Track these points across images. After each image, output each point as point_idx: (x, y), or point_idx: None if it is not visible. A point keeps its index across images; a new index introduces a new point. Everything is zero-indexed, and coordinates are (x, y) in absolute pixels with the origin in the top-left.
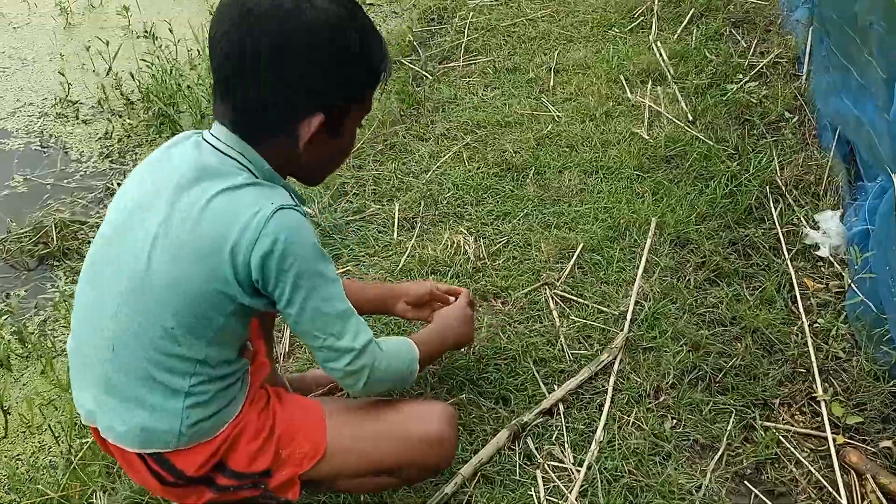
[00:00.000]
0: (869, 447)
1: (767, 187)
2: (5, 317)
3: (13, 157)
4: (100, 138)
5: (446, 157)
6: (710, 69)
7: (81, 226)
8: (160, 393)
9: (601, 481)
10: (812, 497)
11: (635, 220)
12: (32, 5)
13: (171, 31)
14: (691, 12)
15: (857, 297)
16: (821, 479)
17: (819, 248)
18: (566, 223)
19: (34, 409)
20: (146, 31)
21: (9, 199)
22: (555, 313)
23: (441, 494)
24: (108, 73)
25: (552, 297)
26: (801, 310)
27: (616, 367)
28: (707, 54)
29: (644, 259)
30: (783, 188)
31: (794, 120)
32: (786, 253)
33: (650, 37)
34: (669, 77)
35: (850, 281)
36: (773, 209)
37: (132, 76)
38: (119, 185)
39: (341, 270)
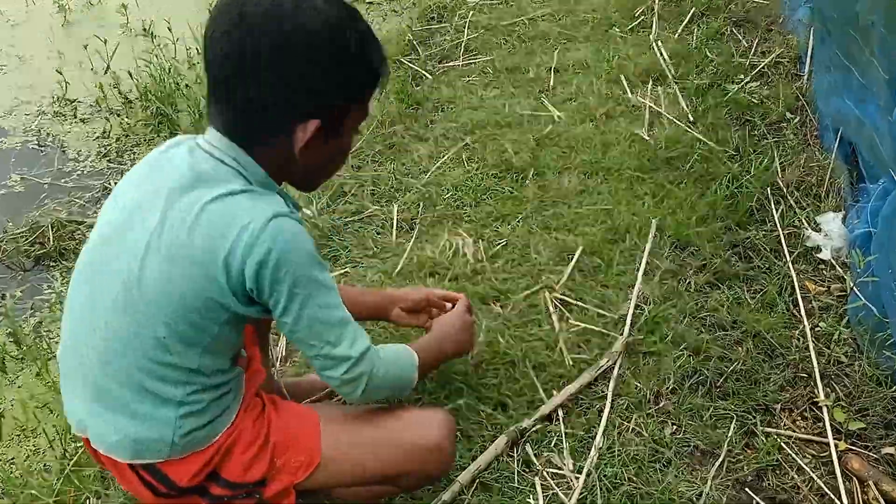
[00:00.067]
0: (871, 453)
1: (769, 189)
2: (0, 318)
3: (10, 155)
4: (97, 137)
5: (445, 157)
6: (710, 69)
7: (78, 226)
8: (152, 402)
9: (600, 489)
10: None
11: (635, 223)
12: (30, 2)
13: (169, 29)
14: (692, 11)
15: (859, 301)
16: (822, 486)
17: (821, 250)
18: (566, 225)
19: (29, 413)
20: (145, 30)
21: (6, 198)
22: (554, 317)
23: (438, 502)
24: (106, 72)
25: (551, 301)
26: (803, 313)
27: (616, 371)
28: (708, 54)
29: (644, 262)
30: (784, 190)
31: (796, 120)
32: (787, 255)
33: (651, 36)
34: (670, 77)
35: (852, 284)
36: (774, 211)
37: (130, 75)
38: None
39: (339, 272)
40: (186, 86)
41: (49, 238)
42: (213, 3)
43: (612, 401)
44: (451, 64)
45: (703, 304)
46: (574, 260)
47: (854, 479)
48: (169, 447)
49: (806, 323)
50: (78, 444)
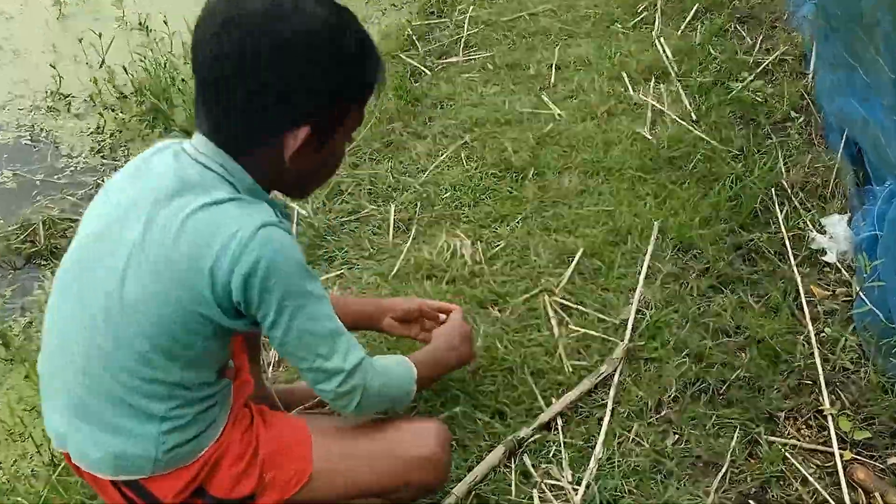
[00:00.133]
0: (877, 463)
1: (773, 190)
2: None
3: (3, 151)
4: (91, 133)
5: (444, 156)
6: (714, 66)
7: (71, 224)
8: (135, 418)
9: (600, 502)
10: None
11: (637, 224)
12: None
13: (165, 22)
14: (696, 7)
15: (865, 306)
16: (827, 497)
17: (826, 253)
18: (566, 226)
19: (16, 416)
20: (140, 23)
21: None
22: (553, 322)
23: None
24: (101, 66)
25: (551, 305)
26: (808, 318)
27: (616, 379)
28: (712, 51)
29: (646, 265)
30: (789, 191)
31: (801, 119)
32: (792, 258)
33: (653, 32)
34: (673, 74)
35: (857, 289)
36: (778, 213)
37: (125, 69)
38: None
39: (334, 274)
40: (182, 80)
41: (40, 236)
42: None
43: (613, 409)
44: (450, 60)
45: (705, 309)
46: (574, 262)
47: (859, 490)
48: (152, 463)
49: (811, 328)
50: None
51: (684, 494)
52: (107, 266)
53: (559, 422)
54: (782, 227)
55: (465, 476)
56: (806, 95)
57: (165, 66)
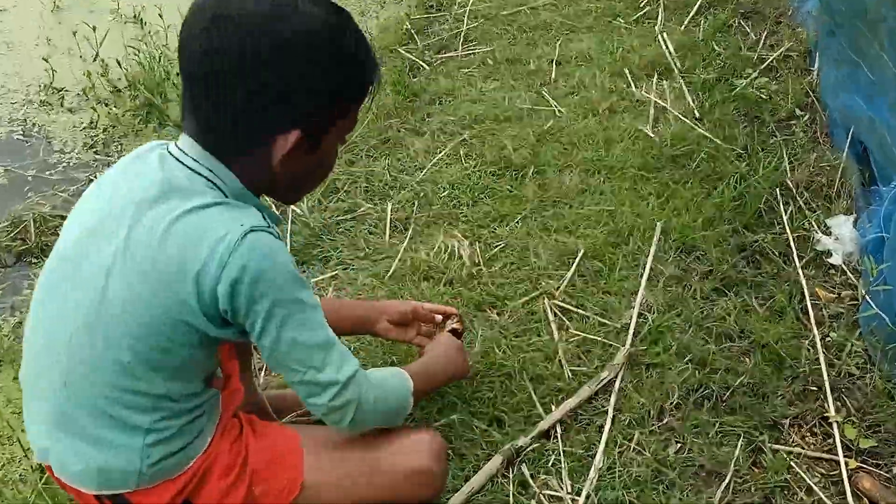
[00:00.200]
0: (882, 472)
1: (777, 189)
2: None
3: None
4: (84, 128)
5: (442, 153)
6: (718, 62)
7: (62, 221)
8: (118, 430)
9: None
10: None
11: (639, 225)
12: None
13: (160, 15)
14: (699, 2)
15: (871, 310)
16: None
17: (831, 254)
18: (566, 227)
19: (4, 419)
20: (135, 16)
21: None
22: (553, 326)
23: None
24: (94, 60)
25: (551, 308)
26: (813, 322)
27: (617, 385)
28: (715, 47)
29: (648, 267)
30: (794, 190)
31: (806, 117)
32: (797, 260)
33: (656, 27)
34: (676, 70)
35: (864, 292)
36: (783, 213)
37: (118, 63)
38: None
39: (329, 275)
40: (177, 74)
41: (31, 233)
42: None
43: (614, 416)
44: (449, 54)
45: (709, 313)
46: (575, 264)
47: (865, 499)
48: (136, 476)
49: (816, 333)
50: None
51: None
52: (87, 275)
53: (558, 430)
54: (787, 227)
55: (462, 486)
56: (811, 92)
57: (160, 59)
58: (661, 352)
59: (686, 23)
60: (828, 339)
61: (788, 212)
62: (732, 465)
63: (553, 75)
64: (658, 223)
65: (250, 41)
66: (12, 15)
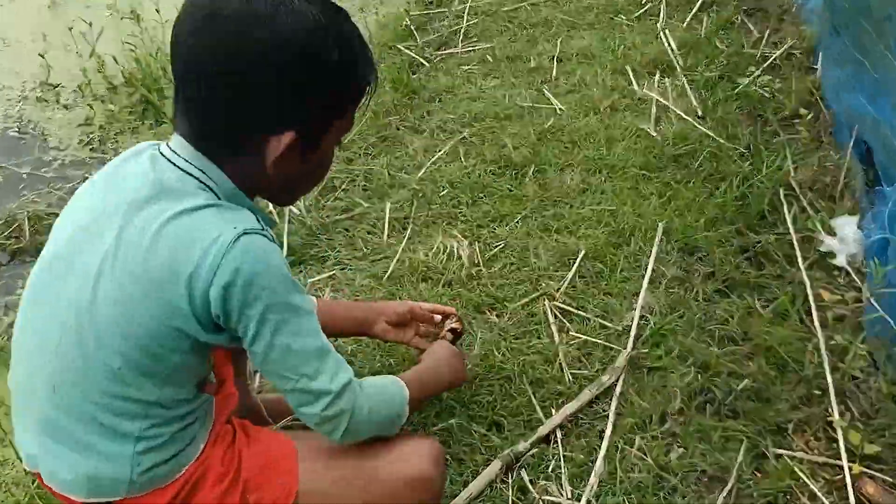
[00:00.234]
0: (887, 477)
1: (781, 189)
2: None
3: None
4: (80, 125)
5: (442, 151)
6: (720, 60)
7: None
8: (108, 437)
9: None
10: None
11: (641, 225)
12: None
13: (157, 10)
14: None
15: (875, 313)
16: None
17: (835, 256)
18: (567, 227)
19: None
20: (132, 12)
21: None
22: (554, 328)
23: None
24: (91, 56)
25: (551, 310)
26: (817, 325)
27: (618, 389)
28: (718, 44)
29: (650, 268)
30: (797, 190)
31: (809, 116)
32: (800, 261)
33: (658, 24)
34: (678, 68)
35: (868, 295)
36: (786, 213)
37: (115, 60)
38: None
39: (326, 275)
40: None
41: (25, 232)
42: None
43: (615, 421)
44: (449, 51)
45: (711, 315)
46: (576, 265)
47: None
48: (127, 485)
49: (820, 336)
50: None
51: None
52: (76, 278)
53: (559, 434)
54: (790, 228)
55: (461, 492)
56: (814, 91)
57: (157, 56)
58: (662, 355)
59: (688, 19)
60: (832, 342)
61: (792, 212)
62: (735, 470)
63: (554, 73)
64: (660, 223)
65: (242, 40)
66: (8, 10)
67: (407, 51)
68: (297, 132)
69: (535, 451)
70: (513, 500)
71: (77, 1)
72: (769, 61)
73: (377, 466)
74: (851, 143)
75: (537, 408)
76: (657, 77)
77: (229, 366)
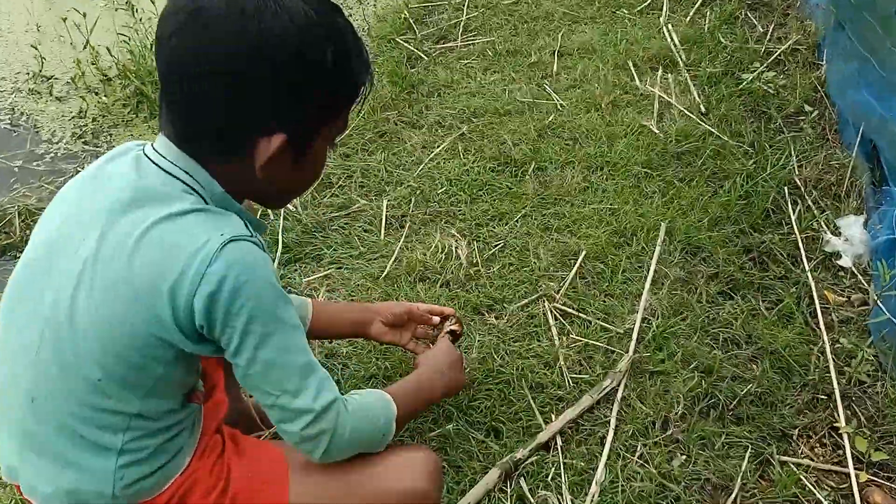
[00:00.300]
0: (894, 485)
1: (786, 188)
2: None
3: None
4: (73, 117)
5: (440, 148)
6: (724, 55)
7: None
8: (88, 451)
9: None
10: None
11: (643, 225)
12: None
13: (152, 1)
14: None
15: (882, 316)
16: None
17: (840, 256)
18: (567, 226)
19: None
20: (127, 2)
21: None
22: (554, 330)
23: None
24: (85, 47)
25: (551, 312)
26: (822, 327)
27: (620, 394)
28: (721, 39)
29: (652, 269)
30: (802, 189)
31: (814, 113)
32: (805, 262)
33: (661, 19)
34: (681, 63)
35: (874, 296)
36: (791, 213)
37: (109, 51)
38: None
39: (321, 274)
40: None
41: (16, 227)
42: None
43: (616, 427)
44: (448, 44)
45: (715, 317)
46: (576, 265)
47: None
48: (110, 500)
49: (825, 338)
50: None
51: None
52: (55, 285)
53: (558, 441)
54: (795, 228)
55: (458, 501)
56: (819, 88)
57: (152, 48)
58: (665, 359)
59: (691, 14)
60: (837, 345)
61: (796, 211)
62: (739, 478)
63: (555, 68)
64: (662, 223)
65: (229, 38)
66: (1, 1)
67: (405, 44)
68: (287, 134)
69: (534, 458)
70: None
71: None
72: (773, 57)
73: (371, 479)
74: (857, 141)
75: (537, 413)
76: (660, 73)
77: (220, 370)
